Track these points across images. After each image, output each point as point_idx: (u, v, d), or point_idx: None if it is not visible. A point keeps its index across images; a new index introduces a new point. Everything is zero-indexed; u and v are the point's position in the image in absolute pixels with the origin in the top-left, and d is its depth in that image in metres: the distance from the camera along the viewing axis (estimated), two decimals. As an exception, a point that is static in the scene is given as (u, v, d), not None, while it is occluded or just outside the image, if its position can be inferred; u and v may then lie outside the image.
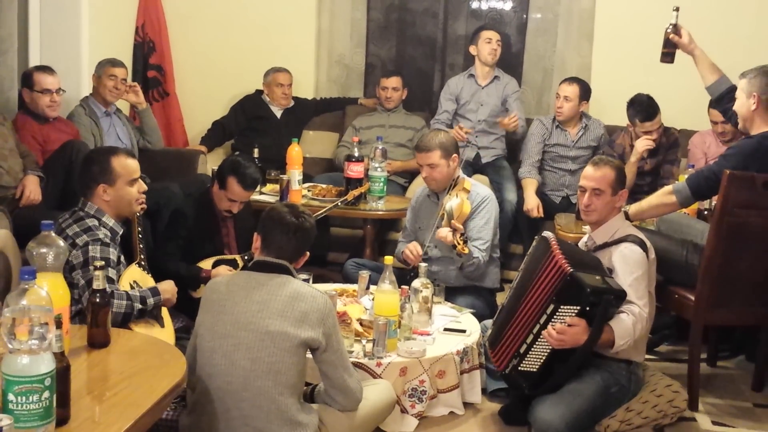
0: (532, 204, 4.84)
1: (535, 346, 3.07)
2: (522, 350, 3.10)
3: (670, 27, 3.83)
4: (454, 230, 3.73)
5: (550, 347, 3.03)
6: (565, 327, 2.97)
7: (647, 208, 3.58)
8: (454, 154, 3.97)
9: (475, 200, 3.95)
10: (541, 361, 3.07)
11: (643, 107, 4.72)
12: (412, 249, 3.94)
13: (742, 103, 3.47)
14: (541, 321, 3.03)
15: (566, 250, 3.15)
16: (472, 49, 5.38)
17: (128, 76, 4.99)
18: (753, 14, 5.31)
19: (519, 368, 3.12)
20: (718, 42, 5.17)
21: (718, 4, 5.33)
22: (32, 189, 3.88)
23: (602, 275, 3.07)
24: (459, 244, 3.67)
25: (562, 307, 3.00)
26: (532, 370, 3.09)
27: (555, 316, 3.01)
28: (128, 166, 3.11)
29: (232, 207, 3.90)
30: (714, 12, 5.29)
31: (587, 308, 2.96)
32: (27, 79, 4.26)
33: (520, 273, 3.37)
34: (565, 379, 3.10)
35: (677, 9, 3.81)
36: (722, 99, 3.78)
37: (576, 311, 2.98)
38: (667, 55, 3.91)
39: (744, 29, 5.28)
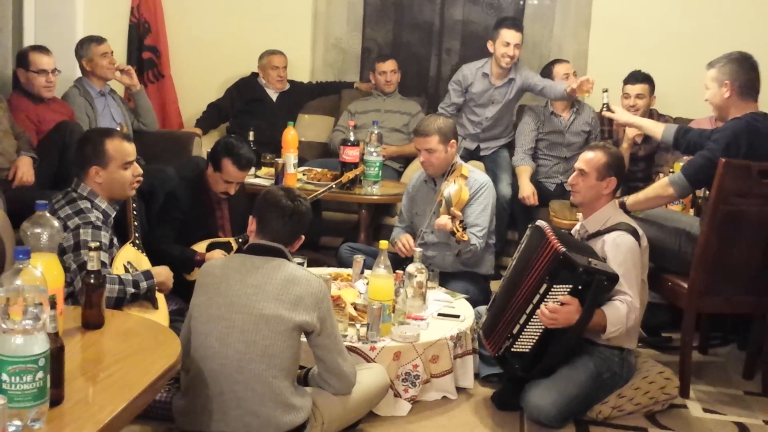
0: (528, 191, 4.83)
1: (528, 326, 3.09)
2: (515, 331, 3.12)
3: (604, 107, 4.09)
4: (453, 217, 3.72)
5: (543, 327, 3.05)
6: (558, 306, 2.99)
7: (644, 200, 3.57)
8: (453, 140, 3.95)
9: (473, 186, 3.95)
10: (534, 341, 3.09)
11: (632, 73, 4.83)
12: (404, 242, 3.94)
13: (714, 93, 3.50)
14: (534, 301, 3.06)
15: (560, 236, 3.17)
16: (489, 46, 5.12)
17: (122, 56, 4.95)
18: (752, 13, 5.30)
19: (512, 349, 3.14)
20: (718, 42, 5.19)
21: (718, 4, 5.34)
22: (25, 170, 3.85)
23: (595, 259, 3.09)
24: (458, 231, 3.67)
25: (554, 286, 3.03)
26: (524, 350, 3.11)
27: (548, 296, 3.04)
28: (123, 149, 3.09)
29: (229, 188, 3.89)
30: (714, 11, 5.32)
31: (579, 287, 2.99)
32: (22, 58, 4.22)
33: (513, 262, 3.38)
34: (558, 361, 3.13)
35: (606, 90, 4.13)
36: (678, 141, 3.75)
37: (568, 290, 3.00)
38: (603, 132, 4.27)
39: (745, 27, 5.26)
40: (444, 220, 3.74)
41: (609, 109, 4.04)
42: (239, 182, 3.93)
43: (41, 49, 4.25)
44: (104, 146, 3.05)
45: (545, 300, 3.04)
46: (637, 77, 4.81)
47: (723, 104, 3.49)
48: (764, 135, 3.36)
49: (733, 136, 3.36)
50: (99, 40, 4.68)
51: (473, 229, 3.88)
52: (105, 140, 3.08)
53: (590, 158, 3.30)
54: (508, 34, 5.03)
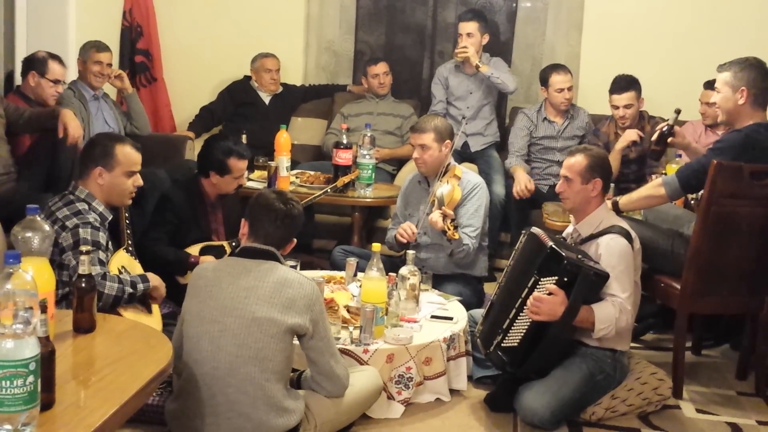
0: (522, 184, 4.81)
1: (517, 320, 3.11)
2: (505, 325, 3.13)
3: (666, 127, 3.81)
4: (445, 216, 3.73)
5: (531, 320, 3.05)
6: (543, 295, 3.00)
7: (636, 199, 3.60)
8: (447, 140, 3.97)
9: (465, 187, 3.96)
10: (522, 335, 3.09)
11: (616, 81, 4.74)
12: (406, 228, 3.93)
13: (728, 98, 3.41)
14: (523, 294, 3.07)
15: (554, 240, 3.18)
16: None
17: (113, 60, 4.94)
18: (745, 15, 5.31)
19: (502, 344, 3.14)
20: (710, 44, 5.21)
21: (709, 6, 5.36)
22: (72, 123, 3.83)
23: (587, 258, 3.11)
24: (449, 229, 3.68)
25: (542, 279, 3.05)
26: (513, 345, 3.12)
27: (536, 289, 3.05)
28: (131, 156, 3.13)
29: (241, 181, 3.99)
30: (706, 13, 5.34)
31: (565, 279, 3.00)
32: (40, 64, 4.18)
33: (507, 269, 3.38)
34: (547, 359, 3.14)
35: (678, 112, 3.84)
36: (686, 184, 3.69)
37: (554, 281, 3.00)
38: (655, 153, 4.00)
39: (737, 30, 5.28)
40: (435, 217, 3.75)
41: (670, 132, 3.81)
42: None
43: (59, 59, 4.25)
44: (114, 150, 3.09)
45: (532, 293, 3.05)
46: (622, 85, 4.69)
47: (734, 110, 3.41)
48: (764, 146, 3.34)
49: (731, 151, 3.33)
50: (100, 47, 4.70)
51: (466, 230, 3.89)
52: (115, 144, 3.12)
53: (572, 164, 3.31)
54: (460, 27, 5.26)
